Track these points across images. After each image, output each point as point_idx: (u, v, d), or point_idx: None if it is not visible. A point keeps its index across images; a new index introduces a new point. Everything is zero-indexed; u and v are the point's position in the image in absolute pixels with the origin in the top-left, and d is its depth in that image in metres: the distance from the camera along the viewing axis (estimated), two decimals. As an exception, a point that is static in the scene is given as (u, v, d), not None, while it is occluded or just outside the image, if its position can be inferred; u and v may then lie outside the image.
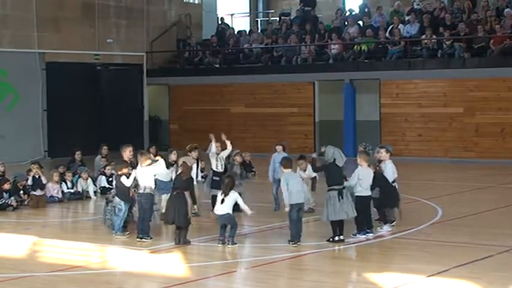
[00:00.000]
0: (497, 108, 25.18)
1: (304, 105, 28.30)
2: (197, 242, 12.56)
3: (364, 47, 27.82)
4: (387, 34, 27.89)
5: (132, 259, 11.73)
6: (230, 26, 34.23)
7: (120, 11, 30.56)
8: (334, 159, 12.60)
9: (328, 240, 12.40)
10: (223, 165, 15.13)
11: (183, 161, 13.00)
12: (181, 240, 12.36)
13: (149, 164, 12.91)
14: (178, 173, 12.98)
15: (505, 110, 25.04)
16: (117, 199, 13.21)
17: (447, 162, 25.31)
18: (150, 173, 12.89)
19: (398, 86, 26.94)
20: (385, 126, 26.98)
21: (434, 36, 26.87)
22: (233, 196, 12.39)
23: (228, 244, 12.23)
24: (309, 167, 14.92)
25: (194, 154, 14.73)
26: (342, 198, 12.36)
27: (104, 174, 18.23)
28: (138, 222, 12.85)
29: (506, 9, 26.49)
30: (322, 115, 28.25)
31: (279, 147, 15.75)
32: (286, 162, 12.72)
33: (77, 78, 28.94)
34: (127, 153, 13.89)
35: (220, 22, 34.29)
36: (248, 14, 37.30)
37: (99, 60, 29.88)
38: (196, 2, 33.81)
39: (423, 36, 27.04)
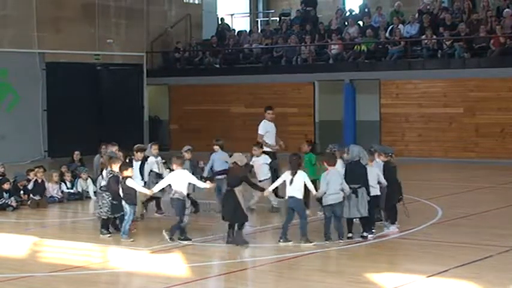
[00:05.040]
0: (497, 108, 25.18)
1: (304, 105, 28.30)
2: (197, 242, 12.56)
3: (364, 47, 27.84)
4: (387, 34, 27.90)
5: (133, 259, 11.74)
6: (230, 26, 34.25)
7: (120, 11, 30.56)
8: (359, 158, 12.65)
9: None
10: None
11: (234, 160, 12.94)
12: (234, 239, 12.29)
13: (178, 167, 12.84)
14: (229, 170, 12.92)
15: (505, 110, 25.04)
16: (123, 202, 13.03)
17: (447, 163, 25.31)
18: (184, 178, 12.76)
19: (398, 86, 26.94)
20: (385, 127, 26.99)
21: (434, 37, 26.87)
22: (302, 175, 12.36)
23: (301, 241, 12.18)
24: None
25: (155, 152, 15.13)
26: (357, 197, 12.45)
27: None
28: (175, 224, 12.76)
29: (506, 10, 26.49)
30: (322, 115, 28.26)
31: (216, 147, 15.75)
32: (331, 159, 12.69)
33: (77, 78, 28.94)
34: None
35: (220, 22, 34.31)
36: (248, 14, 37.32)
37: (99, 60, 29.89)
38: (196, 2, 33.81)
39: (423, 36, 27.05)
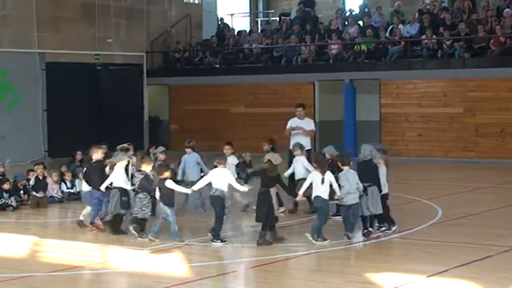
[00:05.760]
0: (497, 108, 25.18)
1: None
2: (197, 242, 12.56)
3: (364, 47, 27.84)
4: (387, 34, 27.91)
5: (132, 259, 11.73)
6: (230, 26, 34.24)
7: (120, 11, 30.56)
8: (371, 157, 12.79)
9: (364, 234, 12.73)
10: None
11: (269, 159, 12.92)
12: (264, 240, 12.28)
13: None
14: (263, 170, 12.79)
15: (505, 110, 25.04)
16: (161, 204, 12.78)
17: (447, 162, 25.31)
18: (225, 178, 12.66)
19: (399, 86, 26.94)
20: (385, 126, 26.98)
21: (434, 36, 26.88)
22: (329, 176, 12.41)
23: (316, 240, 12.21)
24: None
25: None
26: (367, 195, 12.58)
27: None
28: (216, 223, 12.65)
29: (506, 10, 26.49)
30: (322, 115, 28.23)
31: (189, 149, 15.69)
32: (345, 159, 12.77)
33: (77, 78, 28.93)
34: (99, 154, 13.95)
35: (220, 22, 34.31)
36: (248, 14, 37.32)
37: (99, 60, 29.89)
38: (196, 2, 33.82)
39: (423, 36, 27.05)
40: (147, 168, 13.21)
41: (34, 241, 13.13)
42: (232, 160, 15.36)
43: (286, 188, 14.09)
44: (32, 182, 16.92)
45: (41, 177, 16.97)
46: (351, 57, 28.04)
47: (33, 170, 17.31)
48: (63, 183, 17.76)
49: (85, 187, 14.19)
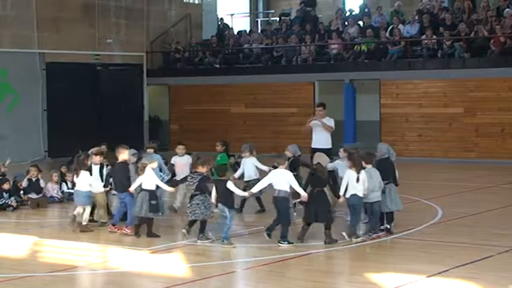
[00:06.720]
0: (497, 108, 25.19)
1: (304, 105, 28.26)
2: (196, 242, 12.56)
3: (364, 47, 27.84)
4: (387, 34, 27.91)
5: (132, 259, 11.73)
6: (230, 26, 34.25)
7: (120, 11, 30.56)
8: (388, 156, 13.03)
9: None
10: None
11: (318, 161, 12.90)
12: (326, 240, 12.31)
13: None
14: (313, 171, 12.74)
15: (505, 110, 25.04)
16: (220, 205, 12.56)
17: (447, 163, 25.31)
18: (285, 178, 12.52)
19: (399, 86, 26.94)
20: (385, 127, 26.98)
21: (434, 36, 26.88)
22: (364, 175, 12.49)
23: (351, 237, 12.37)
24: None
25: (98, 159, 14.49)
26: (384, 193, 12.78)
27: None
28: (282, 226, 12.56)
29: (506, 10, 26.50)
30: (322, 115, 28.20)
31: (150, 150, 15.50)
32: (368, 158, 12.85)
33: (77, 78, 28.92)
34: (126, 155, 13.83)
35: (220, 22, 34.32)
36: (248, 14, 37.32)
37: (99, 60, 29.88)
38: (196, 2, 33.82)
39: (423, 36, 27.05)
40: (203, 169, 12.94)
41: (34, 241, 13.13)
42: (188, 160, 15.19)
43: (335, 189, 14.08)
44: (24, 184, 16.90)
45: (34, 179, 16.95)
46: (351, 57, 28.04)
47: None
48: (63, 183, 17.74)
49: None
